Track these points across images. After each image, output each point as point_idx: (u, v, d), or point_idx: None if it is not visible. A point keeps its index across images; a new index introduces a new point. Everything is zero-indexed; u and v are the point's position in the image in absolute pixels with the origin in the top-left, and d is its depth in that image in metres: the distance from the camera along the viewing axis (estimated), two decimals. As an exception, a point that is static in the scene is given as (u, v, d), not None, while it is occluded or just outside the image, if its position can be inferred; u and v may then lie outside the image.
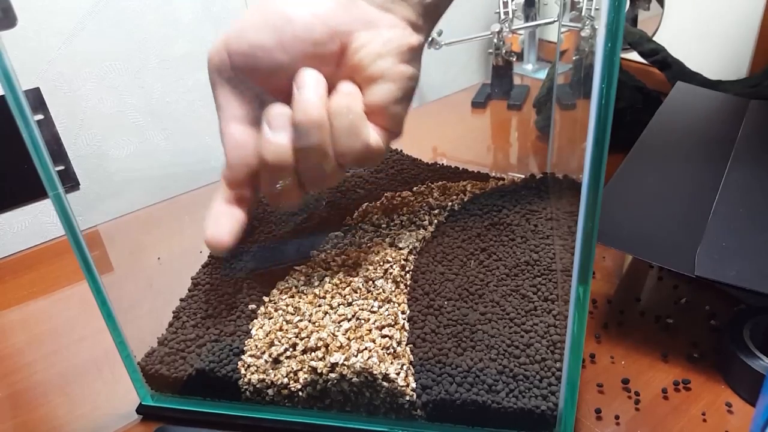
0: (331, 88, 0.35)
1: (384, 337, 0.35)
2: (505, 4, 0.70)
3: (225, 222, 0.37)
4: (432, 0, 0.35)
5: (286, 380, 0.35)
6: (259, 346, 0.36)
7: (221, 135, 0.36)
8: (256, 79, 0.35)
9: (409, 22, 0.35)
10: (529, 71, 0.82)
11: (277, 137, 0.34)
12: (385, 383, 0.33)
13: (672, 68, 0.63)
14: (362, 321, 0.36)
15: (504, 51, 0.73)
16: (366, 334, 0.35)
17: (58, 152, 0.55)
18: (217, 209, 0.37)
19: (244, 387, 0.35)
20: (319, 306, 0.37)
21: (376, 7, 0.34)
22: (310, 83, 0.33)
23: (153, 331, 0.39)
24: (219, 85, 0.35)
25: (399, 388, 0.33)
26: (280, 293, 0.39)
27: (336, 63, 0.34)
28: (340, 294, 0.38)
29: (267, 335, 0.36)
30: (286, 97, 0.34)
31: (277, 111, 0.34)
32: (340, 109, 0.33)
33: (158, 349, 0.38)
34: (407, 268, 0.40)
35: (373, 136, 0.35)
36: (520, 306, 0.37)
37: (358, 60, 0.34)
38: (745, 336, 0.36)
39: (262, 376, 0.35)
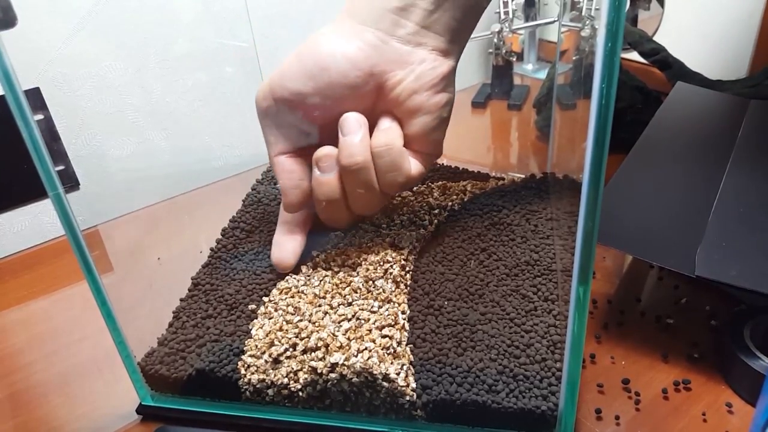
0: (372, 119, 0.38)
1: (384, 337, 0.35)
2: (505, 4, 0.70)
3: (287, 245, 0.41)
4: (457, 25, 0.37)
5: (286, 380, 0.35)
6: (259, 346, 0.36)
7: (273, 167, 0.40)
8: (299, 116, 0.38)
9: (439, 51, 0.37)
10: (530, 71, 0.82)
11: (325, 177, 0.38)
12: (385, 383, 0.33)
13: (672, 68, 0.63)
14: (362, 321, 0.36)
15: (504, 51, 0.73)
16: (366, 334, 0.35)
17: (58, 152, 0.55)
18: (278, 236, 0.42)
19: (244, 387, 0.35)
20: (319, 306, 0.37)
21: (406, 44, 0.36)
22: (352, 128, 0.37)
23: (153, 331, 0.39)
24: (267, 126, 0.39)
25: (399, 388, 0.33)
26: (280, 293, 0.39)
27: (374, 99, 0.38)
28: (340, 294, 0.38)
29: (267, 335, 0.36)
30: (330, 128, 0.38)
31: (324, 153, 0.37)
32: (380, 149, 0.37)
33: (158, 349, 0.38)
34: (407, 268, 0.40)
35: (414, 164, 0.38)
36: (520, 306, 0.37)
37: (394, 97, 0.37)
38: (745, 336, 0.36)
39: (262, 376, 0.35)
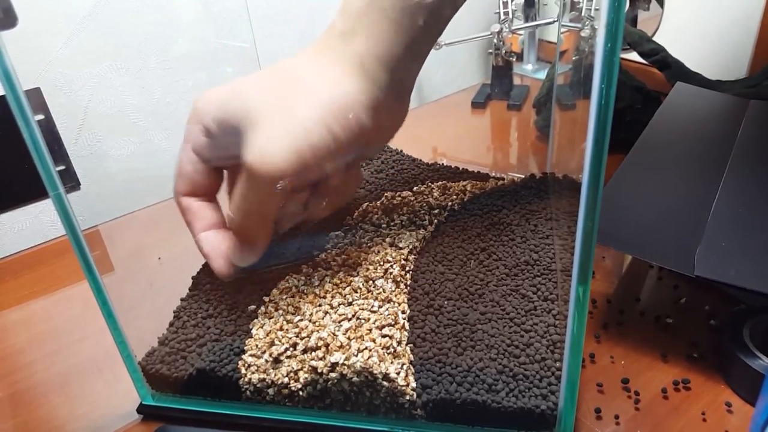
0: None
1: (384, 336, 0.35)
2: (505, 5, 0.70)
3: (215, 254, 0.38)
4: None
5: (286, 380, 0.35)
6: (259, 346, 0.36)
7: (185, 213, 0.39)
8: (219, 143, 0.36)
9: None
10: (529, 71, 0.82)
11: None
12: (385, 383, 0.33)
13: (672, 68, 0.63)
14: (362, 320, 0.36)
15: (504, 51, 0.73)
16: (366, 334, 0.35)
17: (58, 152, 0.55)
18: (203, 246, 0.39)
19: (245, 386, 0.35)
20: (320, 306, 0.38)
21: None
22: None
23: (153, 330, 0.39)
24: (194, 124, 0.36)
25: (399, 387, 0.33)
26: (281, 293, 0.39)
27: None
28: (340, 294, 0.38)
29: (267, 335, 0.36)
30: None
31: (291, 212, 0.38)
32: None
33: (159, 348, 0.38)
34: (407, 268, 0.41)
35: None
36: (520, 306, 0.37)
37: None
38: (744, 336, 0.36)
39: (262, 376, 0.35)
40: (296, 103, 0.33)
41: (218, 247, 0.38)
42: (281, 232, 0.40)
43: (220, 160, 0.37)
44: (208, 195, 0.39)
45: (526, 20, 0.76)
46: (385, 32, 0.34)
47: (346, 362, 0.34)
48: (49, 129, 0.54)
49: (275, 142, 0.32)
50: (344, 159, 0.35)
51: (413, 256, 0.42)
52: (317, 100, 0.33)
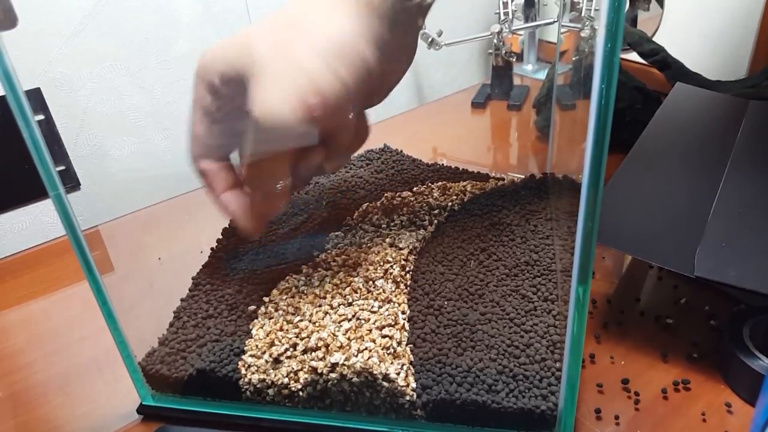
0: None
1: (384, 337, 0.35)
2: (505, 5, 0.70)
3: (240, 212, 0.38)
4: None
5: (286, 380, 0.35)
6: (259, 346, 0.36)
7: (209, 178, 0.38)
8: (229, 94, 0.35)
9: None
10: (529, 72, 0.82)
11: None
12: (385, 383, 0.33)
13: (671, 68, 0.63)
14: (362, 321, 0.36)
15: (504, 51, 0.73)
16: (366, 334, 0.35)
17: (58, 152, 0.55)
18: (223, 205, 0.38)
19: (245, 387, 0.35)
20: (320, 306, 0.38)
21: None
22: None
23: (154, 331, 0.39)
24: (200, 83, 0.35)
25: (399, 388, 0.33)
26: (281, 293, 0.39)
27: None
28: (340, 294, 0.38)
29: (267, 335, 0.36)
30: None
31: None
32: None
33: (159, 349, 0.38)
34: (407, 268, 0.41)
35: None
36: (520, 306, 0.37)
37: None
38: (744, 336, 0.36)
39: (262, 376, 0.35)
40: (299, 48, 0.32)
41: (243, 205, 0.37)
42: (298, 188, 0.39)
43: (229, 117, 0.36)
44: (224, 156, 0.38)
45: (526, 20, 0.76)
46: None
47: (346, 363, 0.34)
48: (49, 129, 0.54)
49: (281, 93, 0.31)
50: (353, 103, 0.33)
51: (413, 257, 0.42)
52: (319, 43, 0.32)
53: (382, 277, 0.39)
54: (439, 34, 0.66)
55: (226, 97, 0.34)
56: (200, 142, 0.37)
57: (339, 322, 0.36)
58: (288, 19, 0.33)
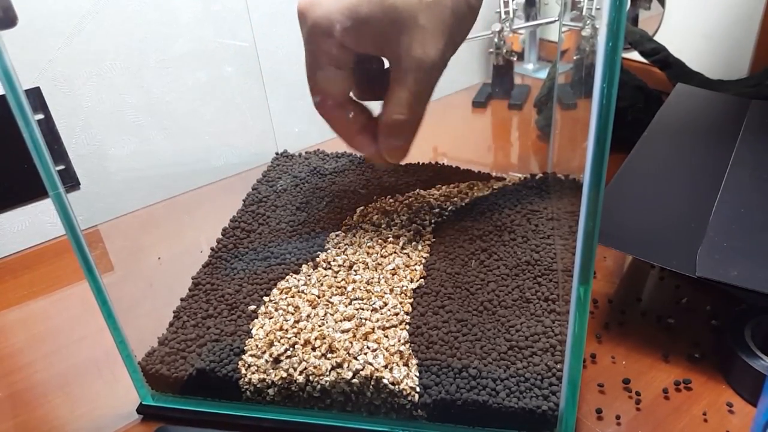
0: None
1: (385, 336, 0.35)
2: (506, 4, 0.69)
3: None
4: None
5: (286, 380, 0.35)
6: (259, 346, 0.36)
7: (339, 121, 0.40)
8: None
9: None
10: (530, 71, 0.82)
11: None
12: (385, 383, 0.33)
13: (673, 68, 0.63)
14: (363, 321, 0.36)
15: (505, 50, 0.73)
16: (367, 334, 0.35)
17: (58, 152, 0.55)
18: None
19: (245, 387, 0.35)
20: (320, 306, 0.37)
21: None
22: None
23: (153, 330, 0.39)
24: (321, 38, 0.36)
25: (400, 388, 0.33)
26: (281, 293, 0.39)
27: None
28: (340, 294, 0.38)
29: (267, 335, 0.36)
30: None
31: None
32: None
33: (159, 348, 0.38)
34: (408, 268, 0.40)
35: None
36: (520, 306, 0.37)
37: None
38: (746, 336, 0.36)
39: (262, 376, 0.35)
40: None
41: (373, 144, 0.40)
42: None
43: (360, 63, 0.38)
44: (347, 98, 0.40)
45: (527, 19, 0.76)
46: None
47: (346, 362, 0.34)
48: (48, 128, 0.54)
49: (437, 45, 0.36)
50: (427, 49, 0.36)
51: (414, 257, 0.42)
52: None
53: (383, 277, 0.39)
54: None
55: (354, 45, 0.36)
56: (331, 92, 0.38)
57: (339, 322, 0.36)
58: None
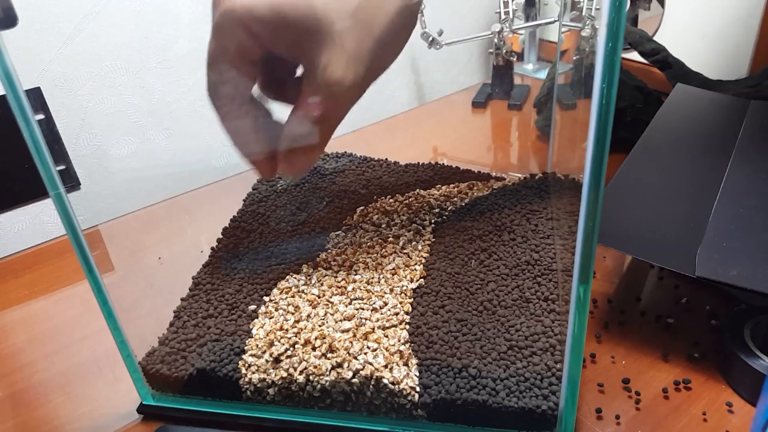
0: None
1: (385, 336, 0.35)
2: (506, 4, 0.70)
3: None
4: None
5: (287, 380, 0.35)
6: (259, 346, 0.36)
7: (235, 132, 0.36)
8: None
9: None
10: (530, 71, 0.82)
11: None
12: (385, 382, 0.33)
13: (672, 68, 0.63)
14: (363, 320, 0.36)
15: (504, 51, 0.73)
16: (367, 334, 0.35)
17: (58, 152, 0.55)
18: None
19: (245, 386, 0.35)
20: (320, 306, 0.37)
21: None
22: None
23: (154, 330, 0.39)
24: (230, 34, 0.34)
25: (400, 387, 0.33)
26: (281, 293, 0.39)
27: None
28: (340, 294, 0.38)
29: (268, 335, 0.36)
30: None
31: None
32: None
33: (159, 348, 0.38)
34: (408, 268, 0.40)
35: None
36: (520, 305, 0.37)
37: None
38: (745, 336, 0.36)
39: (262, 376, 0.35)
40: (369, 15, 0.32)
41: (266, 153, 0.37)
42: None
43: (264, 63, 0.35)
44: (252, 100, 0.37)
45: (527, 20, 0.76)
46: None
47: (346, 362, 0.34)
48: (49, 129, 0.54)
49: (354, 63, 0.32)
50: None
51: (414, 257, 0.42)
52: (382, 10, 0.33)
53: (383, 277, 0.39)
54: (440, 33, 0.66)
55: (266, 44, 0.33)
56: (230, 79, 0.35)
57: (339, 322, 0.36)
58: None
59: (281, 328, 0.36)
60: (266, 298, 0.39)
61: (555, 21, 0.76)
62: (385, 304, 0.37)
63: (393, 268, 0.40)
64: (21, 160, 0.52)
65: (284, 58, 0.35)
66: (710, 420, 0.35)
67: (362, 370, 0.33)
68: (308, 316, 0.37)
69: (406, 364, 0.34)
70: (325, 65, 0.32)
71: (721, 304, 0.42)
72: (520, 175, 0.52)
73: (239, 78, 0.35)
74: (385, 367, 0.33)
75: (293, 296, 0.39)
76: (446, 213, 0.46)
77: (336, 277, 0.40)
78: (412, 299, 0.38)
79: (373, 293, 0.38)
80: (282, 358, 0.35)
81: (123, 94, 0.57)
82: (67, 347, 0.45)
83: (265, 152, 0.36)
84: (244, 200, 0.51)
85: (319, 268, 0.41)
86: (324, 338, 0.35)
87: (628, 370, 0.38)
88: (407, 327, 0.36)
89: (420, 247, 0.43)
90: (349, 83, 0.33)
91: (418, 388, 0.33)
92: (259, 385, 0.35)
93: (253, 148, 0.36)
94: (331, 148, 0.59)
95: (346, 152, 0.58)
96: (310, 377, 0.34)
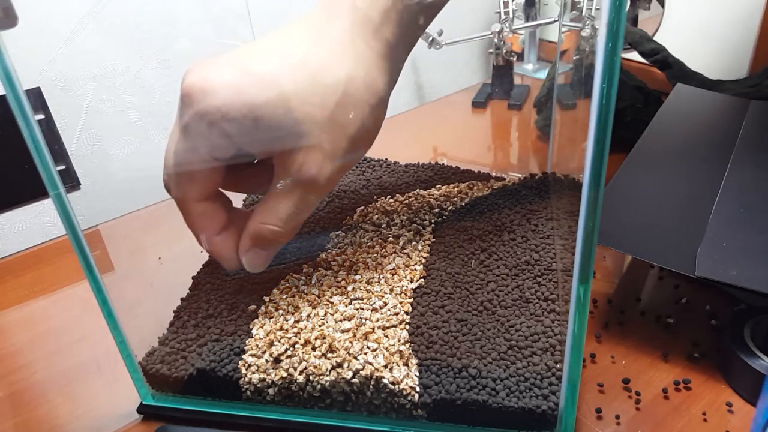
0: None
1: (385, 336, 0.35)
2: (506, 4, 0.70)
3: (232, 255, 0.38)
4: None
5: (286, 380, 0.35)
6: (259, 346, 0.36)
7: (198, 220, 0.36)
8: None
9: None
10: (530, 71, 0.82)
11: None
12: (385, 382, 0.33)
13: (672, 68, 0.63)
14: (363, 320, 0.36)
15: (504, 51, 0.73)
16: (367, 334, 0.35)
17: (58, 152, 0.55)
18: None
19: (245, 386, 0.35)
20: (320, 306, 0.37)
21: None
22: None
23: (154, 330, 0.39)
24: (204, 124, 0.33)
25: (400, 387, 0.33)
26: (281, 293, 0.39)
27: None
28: (340, 294, 0.38)
29: (267, 335, 0.36)
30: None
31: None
32: None
33: (159, 348, 0.38)
34: (408, 268, 0.40)
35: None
36: (520, 305, 0.37)
37: None
38: (745, 336, 0.36)
39: (262, 376, 0.35)
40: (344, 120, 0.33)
41: (233, 249, 0.37)
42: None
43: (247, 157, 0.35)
44: (216, 194, 0.37)
45: (527, 20, 0.76)
46: (411, 22, 0.34)
47: (346, 362, 0.34)
48: (49, 129, 0.54)
49: (331, 167, 0.33)
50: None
51: (414, 257, 0.42)
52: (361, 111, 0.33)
53: (383, 277, 0.39)
54: (440, 33, 0.66)
55: (245, 138, 0.33)
56: (199, 183, 0.35)
57: (339, 322, 0.36)
58: (306, 65, 0.32)
59: (281, 328, 0.36)
60: (266, 298, 0.39)
61: (555, 21, 0.76)
62: (385, 304, 0.37)
63: (393, 268, 0.40)
64: (21, 160, 0.52)
65: (250, 154, 0.35)
66: (710, 420, 0.35)
67: (362, 370, 0.33)
68: (308, 316, 0.37)
69: (406, 364, 0.34)
70: (302, 164, 0.33)
71: (721, 304, 0.42)
72: (520, 175, 0.52)
73: (206, 176, 0.35)
74: (385, 367, 0.33)
75: (293, 296, 0.39)
76: (446, 213, 0.46)
77: (336, 277, 0.40)
78: (412, 299, 0.38)
79: (373, 293, 0.38)
80: (282, 358, 0.35)
81: (123, 94, 0.57)
82: (67, 347, 0.45)
83: (230, 248, 0.37)
84: (244, 200, 0.51)
85: (319, 268, 0.41)
86: (324, 338, 0.35)
87: (628, 370, 0.38)
88: (407, 327, 0.36)
89: (420, 247, 0.43)
90: (323, 180, 0.33)
91: (418, 388, 0.33)
92: (259, 385, 0.35)
93: (223, 248, 0.37)
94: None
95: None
96: (310, 377, 0.34)
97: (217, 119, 0.31)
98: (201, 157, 0.34)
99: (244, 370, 0.35)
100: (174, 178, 0.35)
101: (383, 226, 0.45)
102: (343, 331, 0.35)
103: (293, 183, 0.34)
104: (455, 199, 0.48)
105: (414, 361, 0.34)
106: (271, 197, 0.35)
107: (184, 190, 0.35)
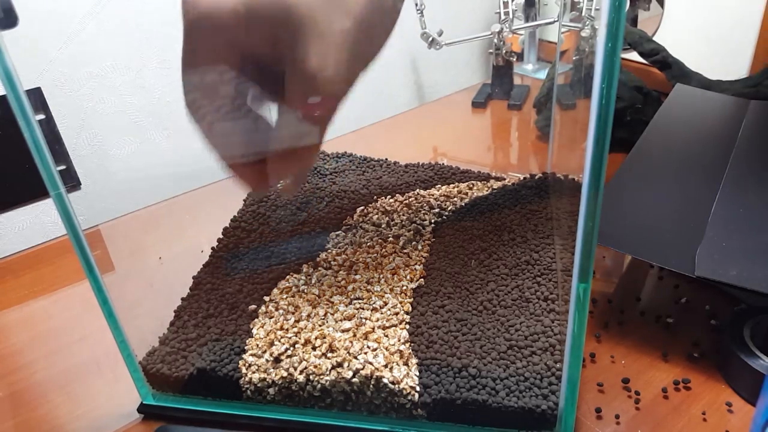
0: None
1: (385, 336, 0.35)
2: (506, 4, 0.70)
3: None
4: None
5: (287, 379, 0.35)
6: (260, 345, 0.36)
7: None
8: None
9: None
10: (530, 71, 0.82)
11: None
12: (385, 382, 0.33)
13: (672, 68, 0.63)
14: (363, 320, 0.36)
15: (504, 51, 0.73)
16: (367, 333, 0.35)
17: (59, 152, 0.55)
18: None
19: (245, 386, 0.35)
20: (320, 305, 0.38)
21: None
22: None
23: (154, 330, 0.39)
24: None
25: (400, 387, 0.33)
26: (281, 293, 0.39)
27: None
28: (340, 293, 0.38)
29: (268, 334, 0.36)
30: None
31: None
32: None
33: (159, 348, 0.38)
34: (408, 268, 0.41)
35: None
36: (520, 305, 0.37)
37: None
38: (745, 335, 0.36)
39: (263, 375, 0.35)
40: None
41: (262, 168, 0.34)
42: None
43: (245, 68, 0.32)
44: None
45: (527, 20, 0.76)
46: None
47: (346, 362, 0.34)
48: (49, 129, 0.54)
49: (339, 59, 0.30)
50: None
51: (414, 256, 0.42)
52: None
53: (383, 277, 0.39)
54: (440, 33, 0.66)
55: (244, 46, 0.31)
56: (210, 89, 0.32)
57: (339, 321, 0.36)
58: None
59: (281, 328, 0.36)
60: (266, 298, 0.39)
61: (555, 21, 0.76)
62: (385, 303, 0.37)
63: (393, 268, 0.40)
64: (21, 160, 0.52)
65: (267, 60, 0.32)
66: (710, 420, 0.35)
67: (362, 369, 0.33)
68: (308, 315, 0.37)
69: (406, 364, 0.34)
70: (304, 57, 0.30)
71: (721, 304, 0.42)
72: (519, 175, 0.52)
73: (218, 82, 0.32)
74: (385, 366, 0.33)
75: (293, 296, 0.39)
76: (446, 213, 0.46)
77: (336, 276, 0.40)
78: (412, 299, 0.38)
79: (373, 293, 0.38)
80: (282, 357, 0.35)
81: (123, 94, 0.57)
82: (68, 347, 0.45)
83: (255, 162, 0.34)
84: (244, 200, 0.51)
85: (319, 268, 0.41)
86: (324, 338, 0.35)
87: (628, 369, 0.38)
88: (407, 327, 0.36)
89: (420, 247, 0.43)
90: (331, 72, 0.30)
91: (418, 388, 0.33)
92: (259, 385, 0.35)
93: (240, 157, 0.34)
94: (331, 148, 0.59)
95: (346, 152, 0.58)
96: (311, 377, 0.34)
97: (213, 17, 0.30)
98: (206, 62, 0.32)
99: (244, 370, 0.35)
100: (185, 89, 0.33)
101: (383, 226, 0.45)
102: (343, 331, 0.35)
103: (302, 80, 0.30)
104: (455, 199, 0.48)
105: (414, 360, 0.34)
106: (285, 101, 0.32)
107: (196, 99, 0.33)
